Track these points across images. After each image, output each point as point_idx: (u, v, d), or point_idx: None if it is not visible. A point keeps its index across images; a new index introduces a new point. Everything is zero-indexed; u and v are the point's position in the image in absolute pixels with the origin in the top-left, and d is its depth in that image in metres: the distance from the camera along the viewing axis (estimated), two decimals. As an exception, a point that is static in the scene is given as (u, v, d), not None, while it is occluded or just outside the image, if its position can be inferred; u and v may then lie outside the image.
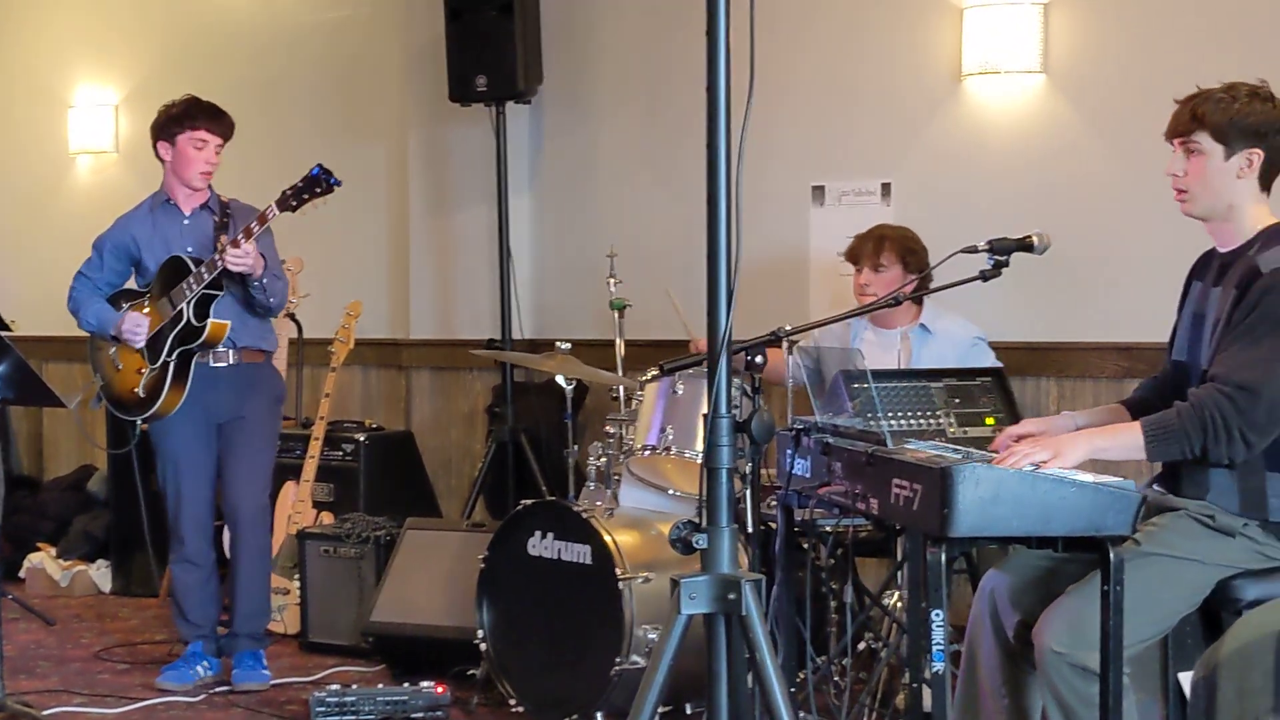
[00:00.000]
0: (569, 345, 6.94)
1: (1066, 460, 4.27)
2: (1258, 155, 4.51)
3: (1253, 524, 4.42)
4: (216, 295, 6.71)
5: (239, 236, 6.57)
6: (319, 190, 6.54)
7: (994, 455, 4.42)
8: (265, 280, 6.71)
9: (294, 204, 6.55)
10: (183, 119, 6.87)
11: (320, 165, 6.57)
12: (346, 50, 9.49)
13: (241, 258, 6.54)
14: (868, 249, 6.68)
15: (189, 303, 6.68)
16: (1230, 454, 4.33)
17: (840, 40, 7.64)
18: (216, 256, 6.58)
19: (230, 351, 6.86)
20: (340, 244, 9.30)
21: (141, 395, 6.83)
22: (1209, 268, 4.70)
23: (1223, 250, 4.65)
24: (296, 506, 7.94)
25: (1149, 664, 4.47)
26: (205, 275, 6.62)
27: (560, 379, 6.90)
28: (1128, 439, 4.39)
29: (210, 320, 6.70)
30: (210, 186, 6.96)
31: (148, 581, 8.81)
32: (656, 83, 8.27)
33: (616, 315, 7.24)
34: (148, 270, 6.91)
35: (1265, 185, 4.58)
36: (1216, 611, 4.45)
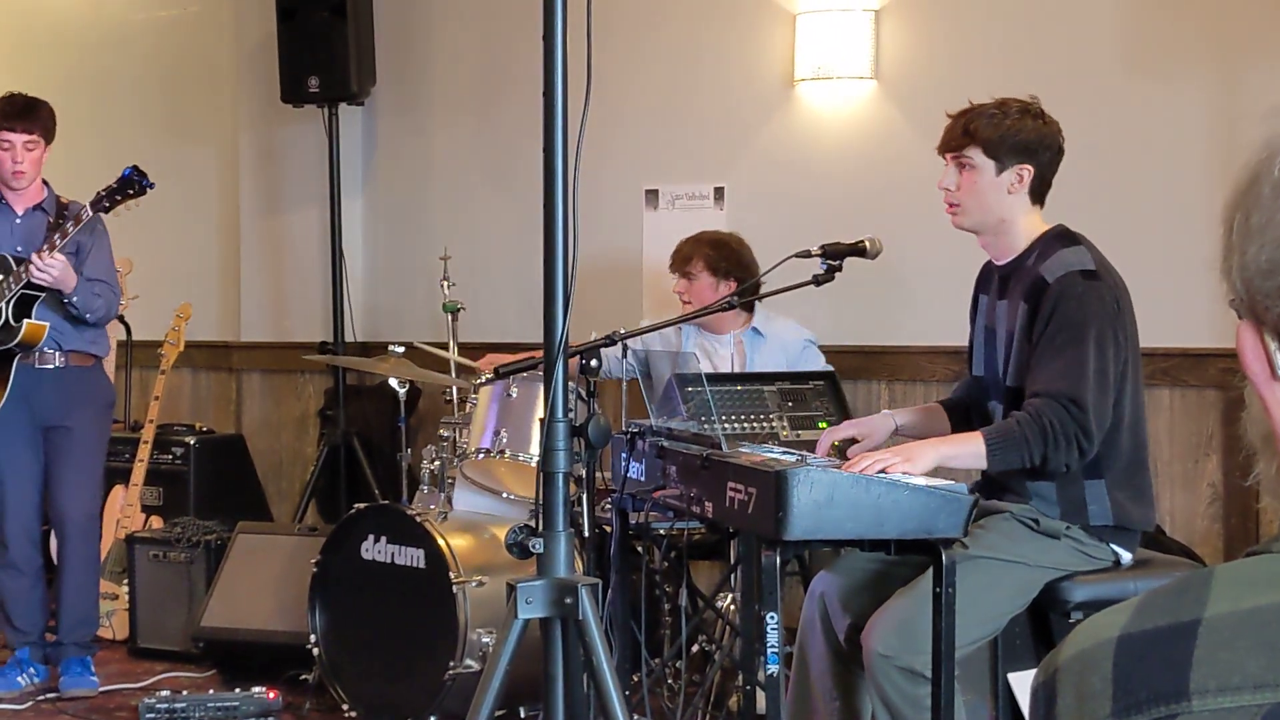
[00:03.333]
0: (402, 348, 6.91)
1: (916, 467, 4.31)
2: (1028, 171, 4.59)
3: (1075, 526, 4.50)
4: (39, 296, 6.60)
5: (55, 238, 6.47)
6: (132, 192, 6.46)
7: (838, 462, 4.45)
8: (77, 299, 6.57)
9: (107, 205, 6.46)
10: None
11: (134, 166, 6.48)
12: (177, 49, 9.39)
13: (47, 269, 6.43)
14: (679, 258, 6.74)
15: (7, 302, 6.57)
16: (1068, 460, 4.40)
17: (675, 45, 7.67)
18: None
19: (56, 354, 6.74)
20: (170, 245, 9.19)
21: None
22: (991, 280, 4.77)
23: (999, 263, 4.72)
24: (125, 510, 7.84)
25: (977, 665, 4.53)
26: (24, 275, 6.51)
27: (393, 382, 6.86)
28: (971, 448, 4.45)
29: (26, 321, 6.60)
30: (48, 186, 6.84)
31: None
32: (491, 85, 8.26)
33: (450, 318, 7.22)
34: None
35: (1037, 200, 4.66)
36: (1045, 613, 4.53)
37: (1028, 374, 4.48)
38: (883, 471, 4.25)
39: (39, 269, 6.42)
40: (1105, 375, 4.41)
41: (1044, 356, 4.43)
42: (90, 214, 6.47)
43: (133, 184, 6.45)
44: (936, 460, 4.43)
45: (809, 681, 4.71)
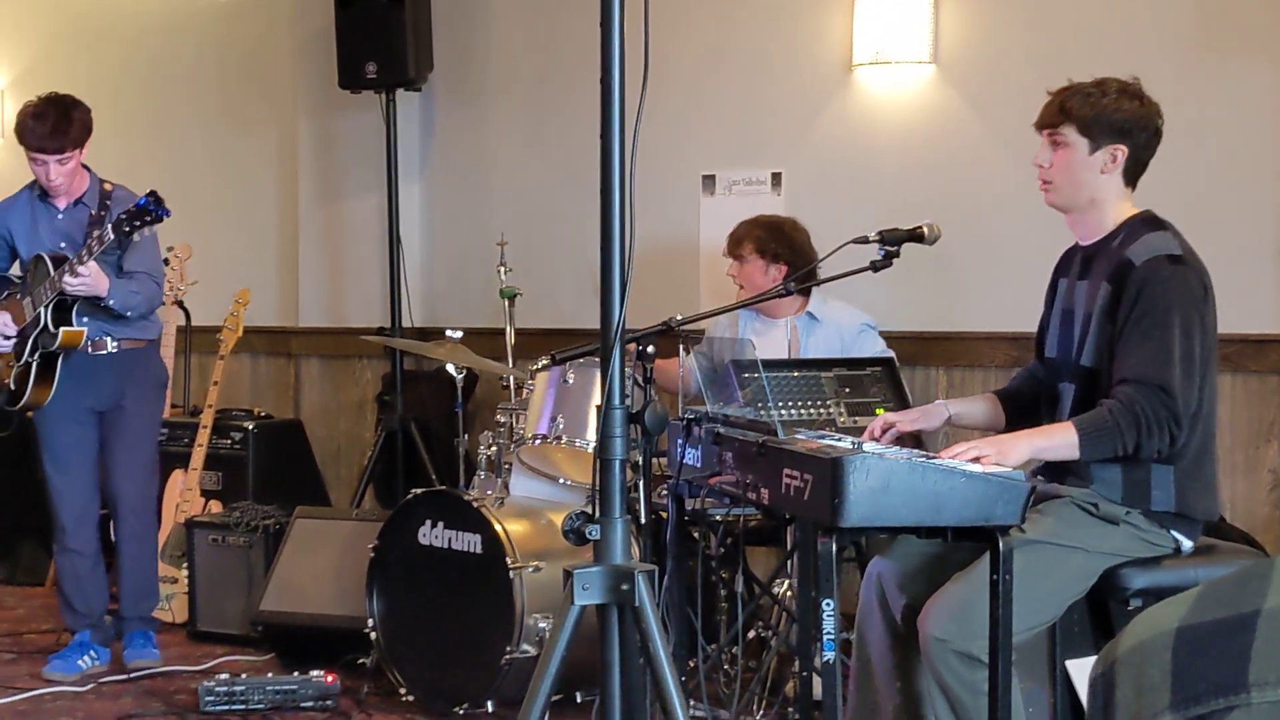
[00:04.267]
0: (459, 333, 6.92)
1: (1009, 460, 4.29)
2: (1122, 152, 4.56)
3: (1135, 512, 4.48)
4: (79, 298, 6.63)
5: (83, 253, 6.48)
6: (148, 219, 6.44)
7: (900, 450, 4.44)
8: (114, 302, 6.58)
9: (127, 229, 6.44)
10: (20, 138, 6.72)
11: (151, 195, 6.44)
12: (236, 36, 9.42)
13: (79, 282, 6.45)
14: (732, 240, 6.75)
15: (45, 307, 6.59)
16: (1160, 447, 4.38)
17: (732, 29, 7.66)
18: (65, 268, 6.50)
19: (110, 340, 6.77)
20: (229, 231, 9.24)
21: (11, 386, 6.76)
22: (1072, 263, 4.76)
23: (1084, 244, 4.70)
24: (184, 495, 7.88)
25: (1035, 652, 4.51)
26: (59, 282, 6.52)
27: (450, 367, 6.87)
28: (1063, 438, 4.41)
29: (63, 329, 6.62)
30: (91, 173, 6.85)
31: (34, 570, 8.73)
32: (547, 70, 8.27)
33: (507, 304, 7.23)
34: (24, 263, 6.83)
35: (1130, 181, 4.63)
36: (1104, 600, 4.50)
37: (1113, 359, 4.46)
38: (976, 460, 4.23)
39: (72, 284, 6.44)
40: (1191, 361, 4.39)
41: (1130, 341, 4.41)
42: (110, 238, 6.44)
43: (148, 212, 6.41)
44: (1030, 453, 4.41)
45: (870, 665, 4.70)
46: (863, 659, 4.74)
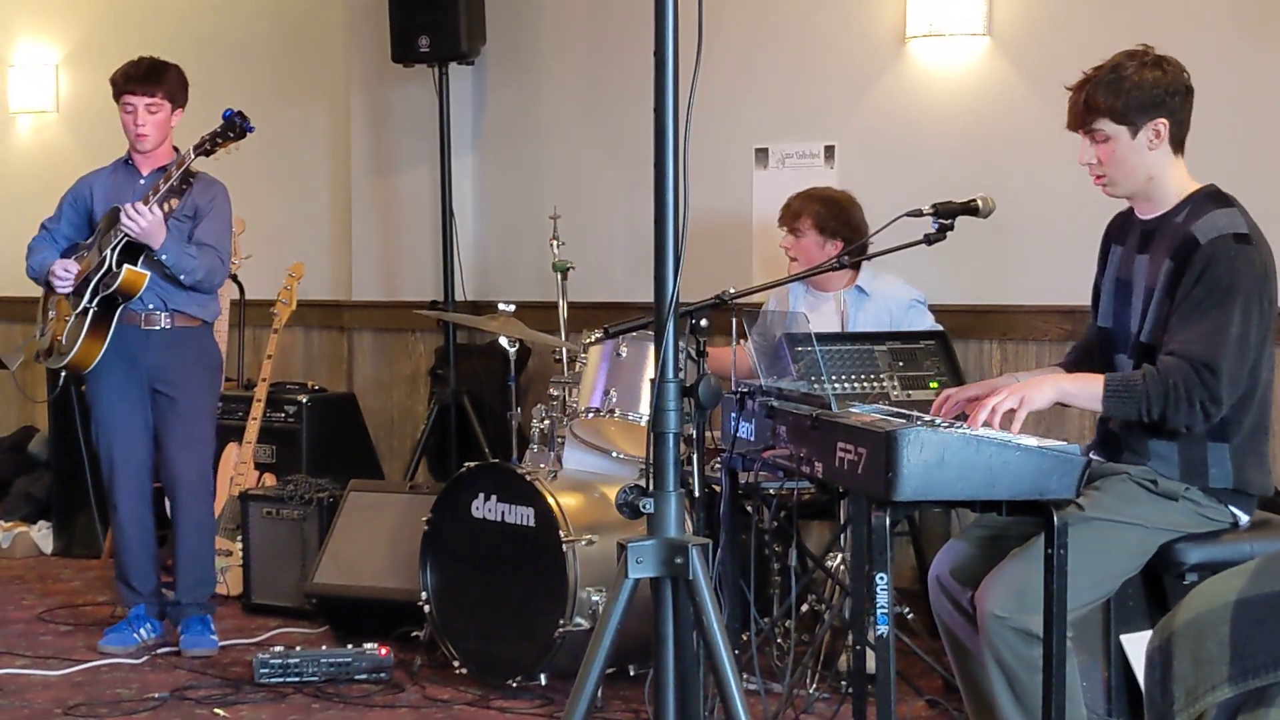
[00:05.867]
0: (512, 307, 6.92)
1: (1034, 401, 4.30)
2: (1163, 124, 4.52)
3: (1193, 488, 4.46)
4: (146, 247, 6.62)
5: (157, 183, 6.52)
6: (232, 134, 6.48)
7: (937, 419, 4.42)
8: (167, 257, 6.58)
9: (209, 148, 6.48)
10: (115, 83, 6.83)
11: (237, 110, 6.50)
12: (289, 10, 9.44)
13: (135, 218, 6.46)
14: (788, 213, 6.73)
15: (112, 249, 6.59)
16: (1189, 423, 4.35)
17: (786, 3, 7.63)
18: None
19: (162, 315, 6.76)
20: (282, 205, 9.26)
21: (63, 343, 6.77)
22: (1129, 232, 4.71)
23: (1144, 217, 4.66)
24: (238, 468, 7.92)
25: (1091, 627, 4.50)
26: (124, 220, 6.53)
27: (503, 340, 6.88)
28: (1090, 388, 4.42)
29: (125, 267, 6.59)
30: (177, 150, 6.84)
31: (89, 543, 8.78)
32: (600, 44, 8.26)
33: (559, 277, 7.23)
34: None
35: (1178, 147, 4.59)
36: (1159, 575, 4.49)
37: (1166, 330, 4.44)
38: (1010, 413, 4.23)
39: (126, 219, 6.45)
40: (1246, 341, 4.36)
41: (1187, 317, 4.38)
42: (193, 156, 6.50)
43: (234, 126, 6.48)
44: (1056, 394, 4.41)
45: (968, 654, 4.65)
46: (960, 658, 4.69)
